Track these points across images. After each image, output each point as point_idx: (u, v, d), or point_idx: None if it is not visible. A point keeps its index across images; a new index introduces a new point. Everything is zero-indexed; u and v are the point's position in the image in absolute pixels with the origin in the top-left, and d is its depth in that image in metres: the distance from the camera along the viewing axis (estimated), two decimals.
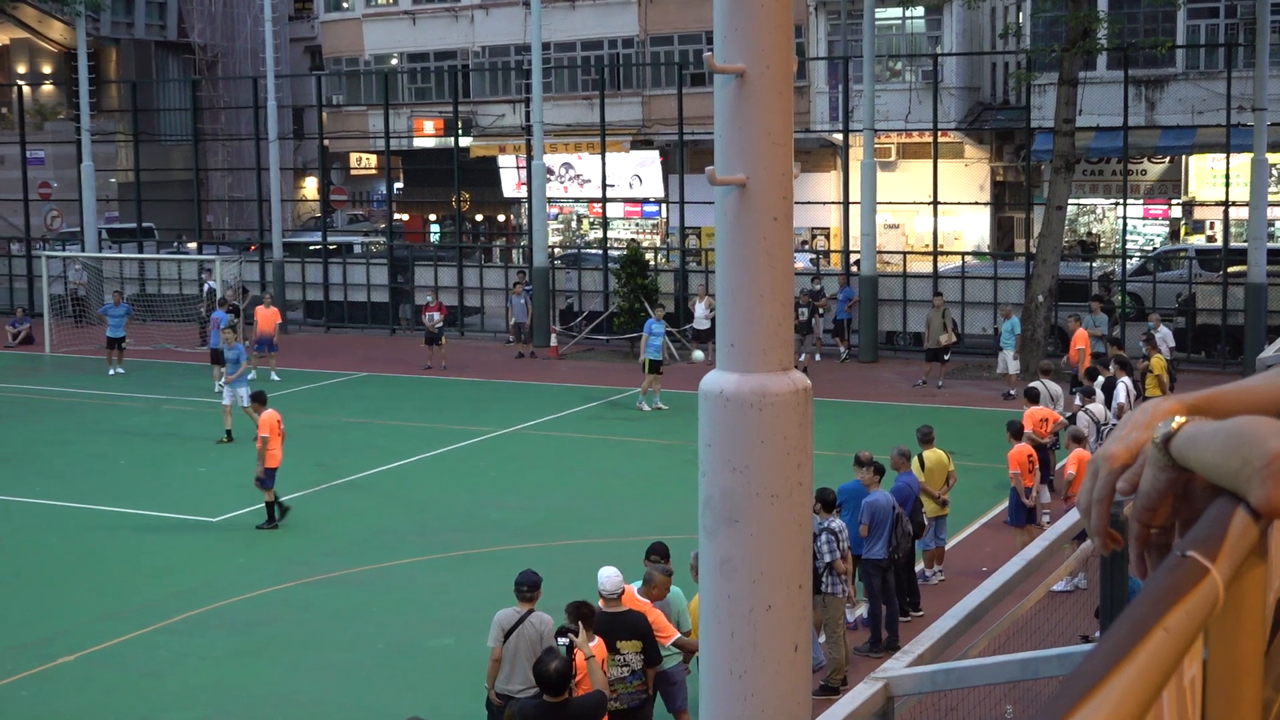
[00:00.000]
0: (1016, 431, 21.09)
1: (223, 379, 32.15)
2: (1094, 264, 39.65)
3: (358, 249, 48.94)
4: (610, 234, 45.80)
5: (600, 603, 13.35)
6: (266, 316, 36.18)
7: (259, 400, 23.65)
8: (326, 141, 51.85)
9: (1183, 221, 45.98)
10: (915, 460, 19.65)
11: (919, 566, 19.43)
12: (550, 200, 46.09)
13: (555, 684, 11.32)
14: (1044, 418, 22.66)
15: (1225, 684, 1.54)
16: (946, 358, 34.42)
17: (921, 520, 18.78)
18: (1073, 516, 6.29)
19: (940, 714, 9.00)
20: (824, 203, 45.30)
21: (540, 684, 11.53)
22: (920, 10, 47.11)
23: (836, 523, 16.40)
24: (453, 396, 33.83)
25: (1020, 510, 20.08)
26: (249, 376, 29.75)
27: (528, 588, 13.52)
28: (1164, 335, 31.18)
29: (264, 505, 22.75)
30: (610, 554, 14.88)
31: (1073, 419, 22.99)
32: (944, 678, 5.16)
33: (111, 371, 36.59)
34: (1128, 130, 37.97)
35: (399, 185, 56.94)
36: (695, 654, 12.93)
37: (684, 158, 42.76)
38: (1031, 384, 25.20)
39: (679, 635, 13.80)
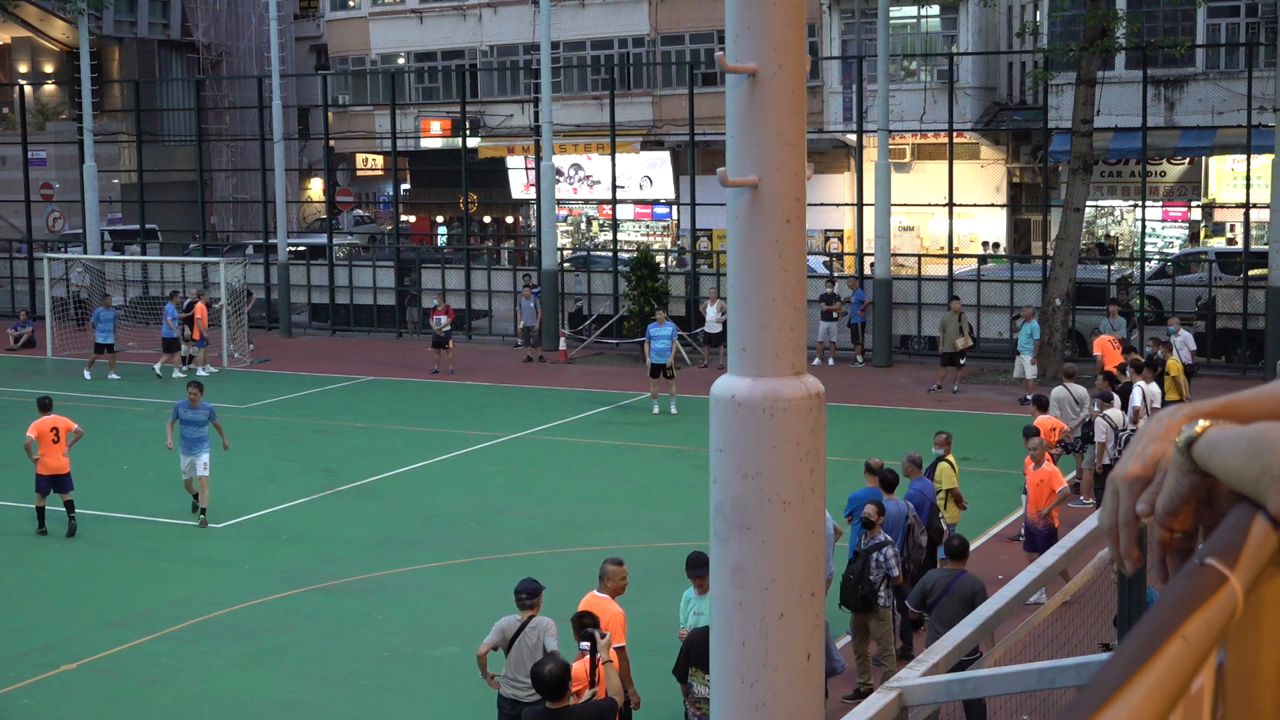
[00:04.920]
0: (1034, 435, 20.80)
1: (160, 364, 36.89)
2: (1112, 267, 39.22)
3: (341, 252, 48.24)
4: (620, 236, 45.42)
5: None
6: (204, 311, 37.67)
7: (43, 406, 22.93)
8: (332, 142, 51.62)
9: (1202, 224, 45.65)
10: (946, 464, 19.37)
11: None
12: (559, 202, 45.75)
13: (551, 687, 11.24)
14: (1052, 426, 22.61)
15: (1244, 694, 1.53)
16: (962, 362, 34.07)
17: (940, 525, 18.65)
18: (1088, 526, 6.24)
19: None
20: (838, 204, 45.04)
21: (537, 688, 11.50)
22: (935, 9, 46.84)
23: (886, 536, 16.36)
24: (460, 401, 33.55)
25: None
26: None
27: (526, 595, 13.57)
28: (1185, 339, 30.79)
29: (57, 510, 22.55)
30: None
31: (1090, 424, 22.82)
32: (959, 688, 5.11)
33: (88, 375, 36.42)
34: (1146, 131, 37.63)
35: (406, 186, 56.69)
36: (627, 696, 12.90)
37: (695, 158, 42.47)
38: (1040, 392, 25.22)
39: (622, 645, 13.58)
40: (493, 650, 13.57)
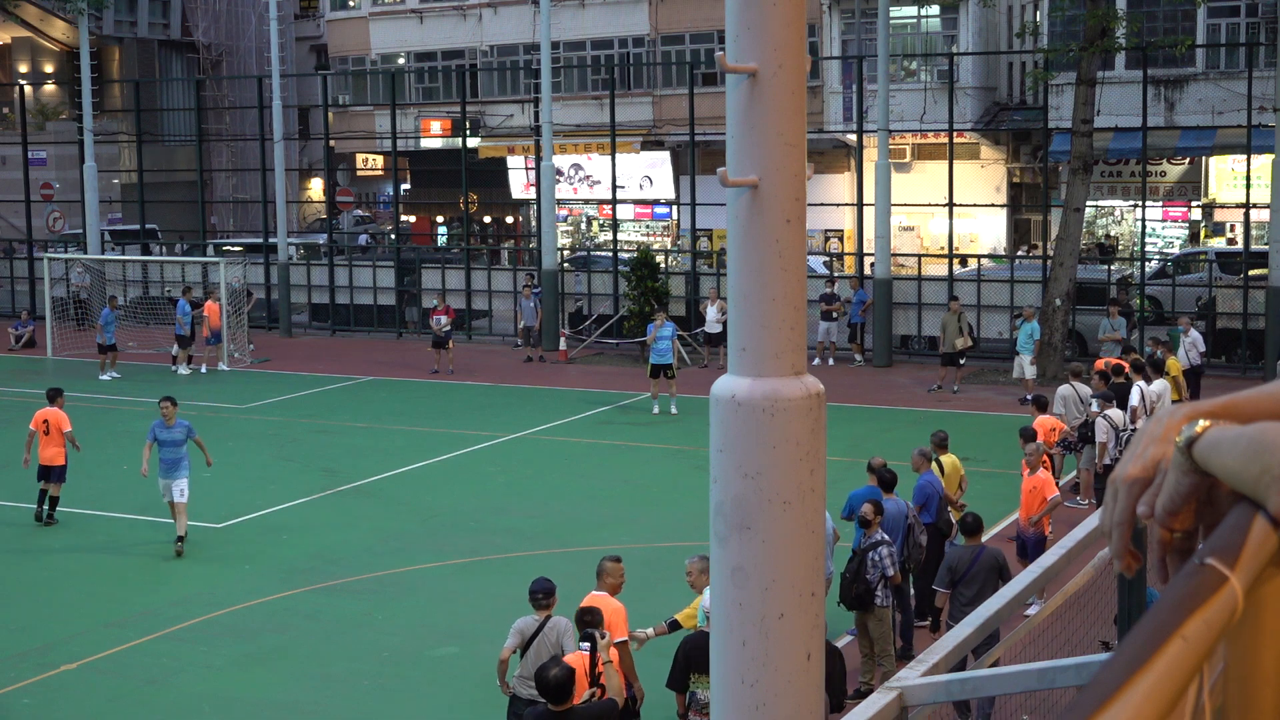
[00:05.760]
0: (1030, 437, 20.85)
1: (180, 365, 37.65)
2: (1112, 267, 39.19)
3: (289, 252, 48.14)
4: (620, 236, 45.42)
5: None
6: (215, 310, 38.10)
7: (48, 396, 23.93)
8: (332, 142, 51.63)
9: (1202, 224, 45.63)
10: (935, 465, 19.41)
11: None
12: (559, 202, 45.75)
13: (555, 692, 11.31)
14: (1052, 426, 22.67)
15: (1244, 694, 1.53)
16: (962, 362, 34.04)
17: (948, 518, 18.72)
18: (1089, 526, 6.28)
19: None
20: (838, 204, 45.03)
21: (541, 692, 11.54)
22: (935, 9, 46.82)
23: (884, 535, 16.20)
24: (460, 401, 33.53)
25: None
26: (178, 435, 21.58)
27: (543, 595, 13.56)
28: (1194, 339, 30.76)
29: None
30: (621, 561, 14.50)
31: (1089, 425, 22.83)
32: (959, 688, 5.09)
33: (105, 376, 36.38)
34: (1147, 131, 37.61)
35: (406, 186, 56.70)
36: (626, 692, 12.80)
37: (695, 158, 42.46)
38: (1039, 392, 25.20)
39: (627, 638, 13.64)
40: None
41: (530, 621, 13.45)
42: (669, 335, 31.45)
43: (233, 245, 48.73)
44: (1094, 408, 23.37)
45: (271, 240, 45.45)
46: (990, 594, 14.99)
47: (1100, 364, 28.25)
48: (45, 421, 23.19)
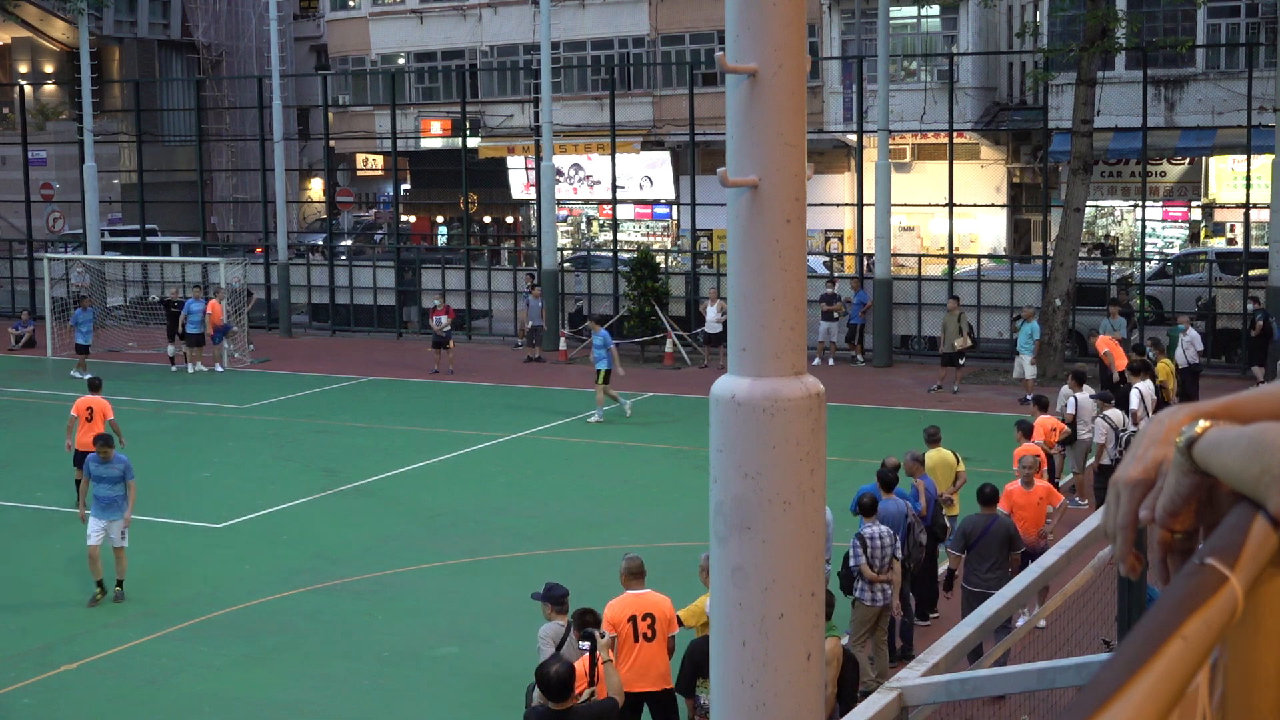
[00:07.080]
0: (1027, 431, 20.96)
1: (190, 364, 37.67)
2: (1112, 267, 39.19)
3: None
4: (620, 236, 45.42)
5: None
6: (217, 309, 38.38)
7: (93, 386, 24.34)
8: (332, 142, 51.64)
9: (1202, 224, 45.64)
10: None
11: (944, 567, 19.25)
12: (559, 202, 45.74)
13: (557, 688, 11.26)
14: (1053, 426, 22.67)
15: (1244, 694, 1.53)
16: (962, 362, 34.04)
17: (944, 523, 18.76)
18: (1088, 526, 6.30)
19: None
20: (838, 205, 45.02)
21: (542, 689, 11.47)
22: (936, 9, 46.82)
23: (868, 529, 16.17)
24: (460, 401, 33.53)
25: None
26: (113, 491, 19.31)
27: (568, 597, 13.64)
28: (1193, 338, 30.73)
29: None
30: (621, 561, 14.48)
31: (1072, 426, 22.89)
32: (959, 687, 5.12)
33: (75, 374, 36.15)
34: (1147, 131, 37.63)
35: (406, 186, 56.67)
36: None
37: (695, 159, 42.48)
38: (1040, 392, 25.24)
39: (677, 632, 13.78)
40: None
41: (556, 627, 13.42)
42: (600, 344, 30.86)
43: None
44: (1069, 408, 23.42)
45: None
46: (1003, 565, 15.42)
47: (1102, 344, 28.34)
48: (89, 408, 23.31)
